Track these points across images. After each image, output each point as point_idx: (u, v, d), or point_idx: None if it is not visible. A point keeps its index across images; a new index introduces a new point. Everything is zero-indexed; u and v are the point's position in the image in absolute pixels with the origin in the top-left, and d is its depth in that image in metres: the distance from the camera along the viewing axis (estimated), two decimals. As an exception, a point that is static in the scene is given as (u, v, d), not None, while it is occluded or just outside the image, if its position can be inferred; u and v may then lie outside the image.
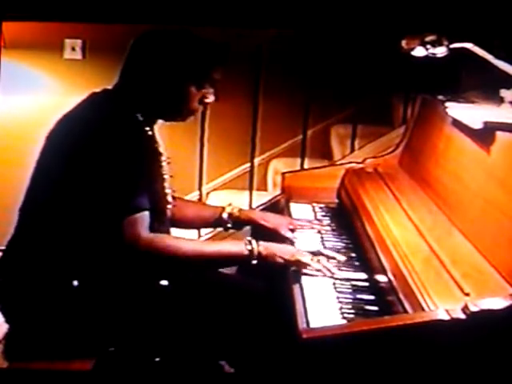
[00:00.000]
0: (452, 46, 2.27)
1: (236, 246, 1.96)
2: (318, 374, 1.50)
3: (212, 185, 3.95)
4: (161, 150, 2.07)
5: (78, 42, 3.67)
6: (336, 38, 3.49)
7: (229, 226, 2.31)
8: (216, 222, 2.33)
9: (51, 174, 1.92)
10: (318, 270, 1.91)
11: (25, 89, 3.62)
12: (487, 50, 2.19)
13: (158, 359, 1.98)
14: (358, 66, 3.57)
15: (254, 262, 1.93)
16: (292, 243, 2.16)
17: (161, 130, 2.10)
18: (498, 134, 1.85)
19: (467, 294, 1.52)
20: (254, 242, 1.94)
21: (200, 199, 3.57)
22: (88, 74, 3.58)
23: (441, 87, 2.56)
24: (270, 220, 2.29)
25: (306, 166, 3.45)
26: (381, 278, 1.83)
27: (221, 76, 2.00)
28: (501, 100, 2.19)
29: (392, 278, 1.75)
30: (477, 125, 1.91)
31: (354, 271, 1.98)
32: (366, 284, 1.90)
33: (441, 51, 2.27)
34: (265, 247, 1.94)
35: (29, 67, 3.63)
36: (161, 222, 2.00)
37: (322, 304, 1.76)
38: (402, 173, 2.52)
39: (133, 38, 2.00)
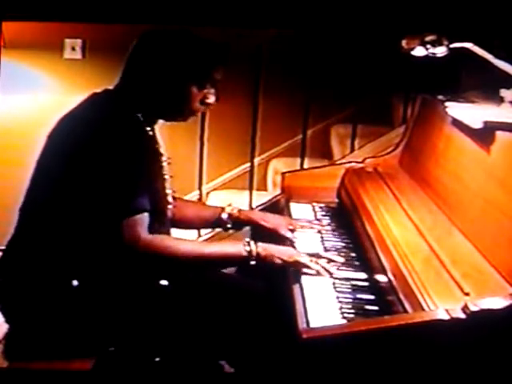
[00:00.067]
0: (452, 45, 2.27)
1: (235, 246, 1.96)
2: (318, 374, 1.50)
3: (212, 185, 3.95)
4: (161, 150, 2.07)
5: (78, 41, 3.67)
6: (336, 38, 3.49)
7: (228, 226, 2.31)
8: (216, 222, 2.33)
9: (52, 174, 1.92)
10: (317, 271, 1.91)
11: (25, 88, 3.62)
12: (487, 49, 2.19)
13: (158, 359, 1.98)
14: (358, 66, 3.57)
15: (253, 262, 1.93)
16: (292, 243, 2.16)
17: (161, 130, 2.10)
18: (498, 133, 1.85)
19: (467, 294, 1.52)
20: (252, 242, 1.95)
21: (200, 199, 3.58)
22: (88, 73, 3.57)
23: (441, 87, 2.56)
24: (270, 220, 2.29)
25: (305, 166, 3.44)
26: (381, 277, 1.83)
27: (222, 76, 2.00)
28: (501, 100, 2.19)
29: (392, 277, 1.75)
30: (477, 124, 1.91)
31: (354, 271, 1.98)
32: (366, 284, 1.90)
33: (441, 51, 2.27)
34: (263, 248, 1.95)
35: (29, 67, 3.62)
36: (161, 223, 2.00)
37: (322, 304, 1.76)
38: (401, 172, 2.52)
39: (133, 37, 2.00)
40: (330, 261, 1.98)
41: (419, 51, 2.31)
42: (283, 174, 2.74)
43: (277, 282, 2.02)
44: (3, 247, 1.99)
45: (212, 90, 2.01)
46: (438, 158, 2.23)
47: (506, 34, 2.89)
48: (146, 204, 1.88)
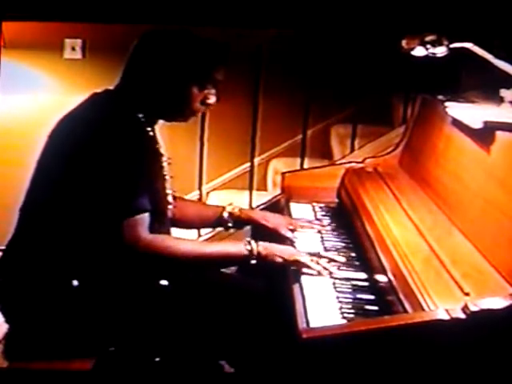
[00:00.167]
0: (452, 45, 2.27)
1: (235, 246, 1.96)
2: (318, 373, 1.49)
3: (212, 185, 3.95)
4: (161, 150, 2.08)
5: (78, 41, 3.67)
6: (336, 38, 3.49)
7: (229, 225, 2.31)
8: (216, 221, 2.33)
9: (52, 174, 1.92)
10: (317, 271, 1.91)
11: (25, 88, 3.62)
12: (487, 49, 2.19)
13: (158, 359, 1.98)
14: (358, 66, 3.57)
15: (254, 261, 1.93)
16: (292, 243, 2.16)
17: (161, 130, 2.10)
18: (498, 133, 1.85)
19: (467, 294, 1.52)
20: (253, 242, 1.95)
21: (200, 199, 3.58)
22: (88, 73, 3.57)
23: (441, 87, 2.56)
24: (271, 220, 2.29)
25: (305, 166, 3.45)
26: (381, 277, 1.83)
27: (223, 76, 2.00)
28: (501, 100, 2.19)
29: (392, 277, 1.75)
30: (477, 124, 1.91)
31: (354, 271, 1.98)
32: (366, 284, 1.90)
33: (441, 51, 2.27)
34: (264, 247, 1.95)
35: (29, 67, 3.62)
36: (161, 223, 2.00)
37: (322, 304, 1.76)
38: (401, 173, 2.52)
39: (133, 37, 2.00)
40: (330, 260, 1.98)
41: (419, 51, 2.31)
42: (283, 174, 2.74)
43: (277, 281, 2.02)
44: (3, 247, 1.99)
45: (213, 91, 2.00)
46: (438, 157, 2.23)
47: (506, 33, 2.89)
48: (147, 204, 1.88)
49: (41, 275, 1.90)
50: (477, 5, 3.12)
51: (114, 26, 3.46)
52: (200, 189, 3.60)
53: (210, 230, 3.27)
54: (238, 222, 2.31)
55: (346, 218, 2.37)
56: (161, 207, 2.01)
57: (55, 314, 1.90)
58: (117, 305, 1.93)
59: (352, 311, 1.73)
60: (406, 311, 1.60)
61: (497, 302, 1.43)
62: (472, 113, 2.05)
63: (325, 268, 1.92)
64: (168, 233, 2.08)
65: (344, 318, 1.70)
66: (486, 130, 1.88)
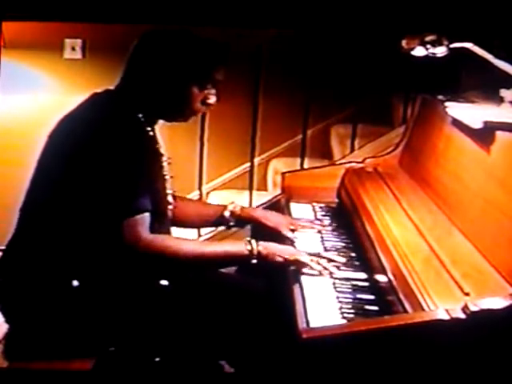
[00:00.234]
0: (452, 45, 2.27)
1: (236, 245, 1.96)
2: (318, 373, 1.49)
3: (212, 185, 3.95)
4: (162, 150, 2.08)
5: (78, 41, 3.67)
6: (336, 38, 3.49)
7: (231, 224, 2.31)
8: (218, 220, 2.33)
9: (52, 174, 1.92)
10: (317, 271, 1.91)
11: (25, 88, 3.62)
12: (487, 49, 2.19)
13: (158, 359, 1.98)
14: (358, 66, 3.57)
15: (254, 261, 1.93)
16: (292, 243, 2.16)
17: (161, 130, 2.10)
18: (498, 133, 1.85)
19: (467, 294, 1.52)
20: (253, 241, 1.95)
21: (200, 199, 3.58)
22: (88, 73, 3.58)
23: (441, 87, 2.56)
24: (272, 219, 2.29)
25: (305, 166, 3.45)
26: (381, 277, 1.83)
27: (223, 76, 2.00)
28: (501, 100, 2.19)
29: (392, 277, 1.75)
30: (477, 124, 1.91)
31: (354, 271, 1.98)
32: (366, 284, 1.90)
33: (441, 51, 2.27)
34: (264, 247, 1.95)
35: (29, 67, 3.62)
36: (161, 223, 2.00)
37: (322, 304, 1.76)
38: (401, 173, 2.52)
39: (133, 37, 2.00)
40: (330, 261, 1.98)
41: (419, 51, 2.31)
42: (283, 174, 2.74)
43: (277, 281, 2.02)
44: (3, 247, 1.99)
45: (213, 91, 2.00)
46: (438, 157, 2.23)
47: (506, 33, 2.89)
48: (147, 204, 1.88)
49: (41, 275, 1.90)
50: (477, 5, 3.12)
51: (114, 26, 3.46)
52: (200, 189, 3.60)
53: (210, 229, 3.27)
54: (239, 220, 2.31)
55: (346, 218, 2.37)
56: (161, 207, 2.01)
57: (55, 314, 1.90)
58: (117, 305, 1.93)
59: (352, 311, 1.73)
60: (406, 311, 1.60)
61: (497, 302, 1.43)
62: (472, 113, 2.05)
63: (325, 268, 1.92)
64: (168, 233, 2.08)
65: (344, 317, 1.70)
66: (485, 130, 1.88)
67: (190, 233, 3.00)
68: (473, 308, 1.42)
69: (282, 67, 3.70)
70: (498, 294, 1.48)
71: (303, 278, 1.89)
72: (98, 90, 2.01)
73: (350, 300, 1.80)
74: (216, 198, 3.81)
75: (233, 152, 3.86)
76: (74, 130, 1.92)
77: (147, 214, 1.87)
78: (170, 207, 2.10)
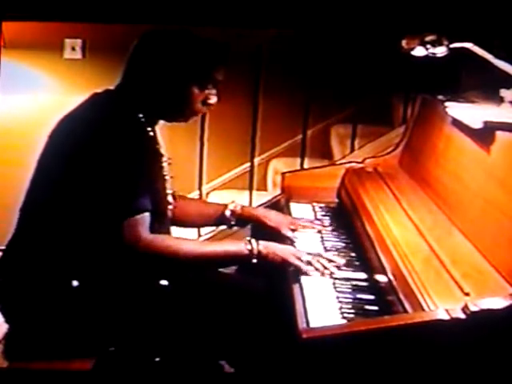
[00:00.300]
0: (452, 45, 2.27)
1: (236, 245, 1.96)
2: (318, 373, 1.49)
3: (212, 185, 3.95)
4: (162, 150, 2.07)
5: (78, 41, 3.67)
6: (336, 38, 3.50)
7: (232, 223, 2.31)
8: (219, 219, 2.32)
9: (52, 174, 1.92)
10: (317, 270, 1.91)
11: (25, 88, 3.62)
12: (487, 49, 2.19)
13: (158, 359, 1.98)
14: (358, 66, 3.57)
15: (254, 260, 1.93)
16: (292, 242, 2.16)
17: (161, 131, 2.10)
18: (498, 133, 1.85)
19: (467, 294, 1.52)
20: (253, 241, 1.95)
21: (200, 199, 3.57)
22: (88, 73, 3.58)
23: (441, 87, 2.56)
24: (273, 218, 2.29)
25: (305, 166, 3.45)
26: (381, 277, 1.83)
27: (223, 76, 2.00)
28: (501, 100, 2.19)
29: (392, 277, 1.75)
30: (477, 125, 1.91)
31: (354, 271, 1.98)
32: (366, 284, 1.90)
33: (441, 51, 2.27)
34: (264, 246, 1.95)
35: (29, 67, 3.62)
36: (161, 223, 2.00)
37: (322, 304, 1.76)
38: (401, 173, 2.52)
39: (133, 37, 2.00)
40: (330, 261, 1.98)
41: (419, 51, 2.31)
42: (283, 174, 2.74)
43: (277, 281, 2.02)
44: (3, 247, 1.99)
45: (213, 91, 2.00)
46: (438, 157, 2.23)
47: (506, 33, 2.89)
48: (148, 204, 1.88)
49: (41, 275, 1.90)
50: (477, 5, 3.12)
51: (114, 26, 3.46)
52: (200, 189, 3.60)
53: (210, 229, 3.27)
54: (240, 219, 2.31)
55: (346, 218, 2.37)
56: (161, 207, 2.01)
57: (55, 314, 1.90)
58: (117, 305, 1.93)
59: (352, 311, 1.73)
60: (406, 311, 1.59)
61: (497, 302, 1.43)
62: (472, 113, 2.05)
63: (325, 268, 1.92)
64: (168, 233, 2.08)
65: (344, 317, 1.70)
66: (485, 130, 1.88)
67: (190, 233, 3.00)
68: (473, 308, 1.42)
69: (282, 67, 3.70)
70: (498, 294, 1.48)
71: (303, 278, 1.89)
72: (99, 90, 2.01)
73: (350, 300, 1.80)
74: (216, 198, 3.80)
75: (233, 152, 3.86)
76: (75, 129, 1.92)
77: (147, 214, 1.87)
78: (170, 207, 2.10)
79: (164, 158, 2.08)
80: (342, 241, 2.23)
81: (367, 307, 1.76)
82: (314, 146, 3.81)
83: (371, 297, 1.82)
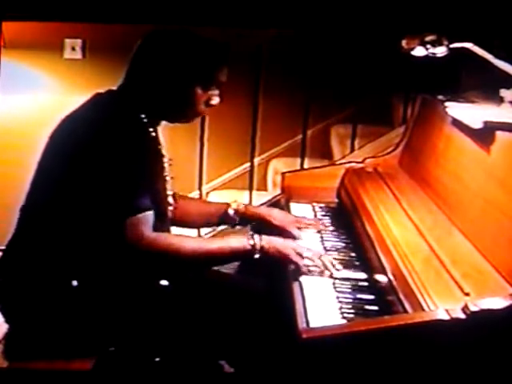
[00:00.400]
0: (452, 45, 2.27)
1: (238, 240, 1.95)
2: (318, 373, 1.49)
3: (212, 185, 3.96)
4: (163, 151, 2.07)
5: (78, 41, 3.67)
6: (336, 38, 3.50)
7: (235, 222, 2.30)
8: (221, 218, 2.31)
9: (53, 174, 1.92)
10: (317, 267, 1.91)
11: (25, 88, 3.62)
12: (487, 49, 2.19)
13: (158, 359, 1.98)
14: (358, 66, 3.57)
15: (257, 256, 1.92)
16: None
17: (162, 131, 2.10)
18: (498, 133, 1.85)
19: (467, 294, 1.52)
20: (256, 236, 1.94)
21: (200, 198, 3.57)
22: (88, 73, 3.58)
23: (441, 87, 2.56)
24: (277, 217, 2.27)
25: (305, 166, 3.45)
26: (381, 277, 1.83)
27: (225, 77, 2.00)
28: (501, 100, 2.19)
29: (392, 277, 1.75)
30: (477, 125, 1.91)
31: (354, 271, 1.98)
32: (366, 284, 1.90)
33: (441, 51, 2.27)
34: (267, 241, 1.94)
35: (29, 67, 3.63)
36: (162, 223, 1.99)
37: (322, 304, 1.76)
38: (401, 173, 2.52)
39: (133, 37, 1.99)
40: (330, 262, 1.97)
41: (419, 51, 2.31)
42: (283, 174, 2.73)
43: (277, 281, 2.02)
44: (3, 247, 1.99)
45: (216, 92, 2.00)
46: (438, 157, 2.23)
47: (506, 33, 2.89)
48: (149, 203, 1.87)
49: (41, 275, 1.90)
50: (477, 5, 3.13)
51: (114, 26, 3.46)
52: (200, 189, 3.60)
53: (209, 230, 3.27)
54: (244, 218, 2.30)
55: (346, 218, 2.37)
56: (161, 208, 2.01)
57: (55, 314, 1.90)
58: (117, 305, 1.93)
59: (352, 311, 1.73)
60: (406, 311, 1.59)
61: (497, 302, 1.43)
62: (472, 113, 2.05)
63: (325, 266, 1.92)
64: (168, 232, 2.08)
65: (344, 318, 1.70)
66: (485, 130, 1.88)
67: (190, 233, 2.99)
68: (473, 308, 1.42)
69: (282, 67, 3.70)
70: (498, 294, 1.48)
71: (303, 278, 1.89)
72: (101, 91, 2.00)
73: (350, 300, 1.80)
74: (216, 198, 3.80)
75: (233, 152, 3.86)
76: (76, 130, 1.92)
77: (150, 213, 1.87)
78: (171, 208, 2.10)
79: (165, 159, 2.08)
80: (342, 241, 2.23)
81: (367, 307, 1.76)
82: (314, 145, 3.81)
83: (371, 297, 1.82)
